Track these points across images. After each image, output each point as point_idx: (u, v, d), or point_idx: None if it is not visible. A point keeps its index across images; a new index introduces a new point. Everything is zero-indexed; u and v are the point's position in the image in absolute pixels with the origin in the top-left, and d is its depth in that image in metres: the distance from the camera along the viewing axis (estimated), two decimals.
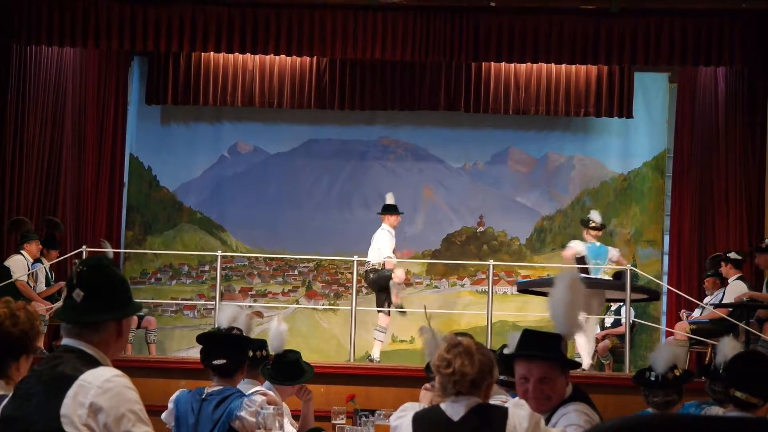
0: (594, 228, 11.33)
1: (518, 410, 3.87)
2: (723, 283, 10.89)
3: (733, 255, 10.76)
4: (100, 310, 3.19)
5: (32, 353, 3.72)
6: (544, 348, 4.16)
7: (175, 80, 13.68)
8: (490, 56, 12.08)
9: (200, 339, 5.59)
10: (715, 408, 5.57)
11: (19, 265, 10.81)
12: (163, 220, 14.27)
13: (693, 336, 10.53)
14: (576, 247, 11.29)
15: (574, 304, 4.22)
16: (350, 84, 13.52)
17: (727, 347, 5.49)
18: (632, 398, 7.59)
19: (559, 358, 4.15)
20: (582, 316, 4.45)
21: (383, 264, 11.08)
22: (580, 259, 11.12)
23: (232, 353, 5.42)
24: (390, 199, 11.51)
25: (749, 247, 11.45)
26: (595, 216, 11.52)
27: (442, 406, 3.90)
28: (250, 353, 5.72)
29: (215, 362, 5.39)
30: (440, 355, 3.89)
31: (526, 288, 11.57)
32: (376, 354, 11.07)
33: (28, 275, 10.88)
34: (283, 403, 5.73)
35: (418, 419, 3.97)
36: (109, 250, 10.52)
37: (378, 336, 11.14)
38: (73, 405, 3.00)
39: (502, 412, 3.86)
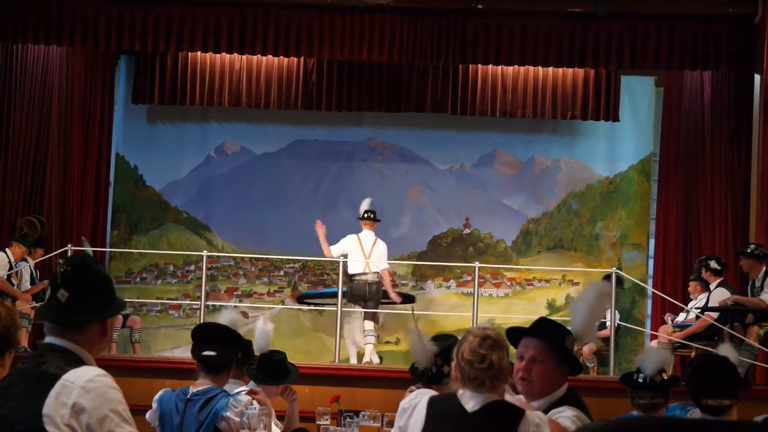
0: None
1: (535, 415, 3.87)
2: (707, 287, 10.92)
3: (713, 264, 10.80)
4: (84, 310, 3.18)
5: (14, 348, 3.70)
6: (548, 331, 4.19)
7: (161, 80, 13.65)
8: (477, 59, 12.10)
9: (195, 330, 5.55)
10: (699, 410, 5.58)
11: (0, 262, 10.77)
12: (149, 219, 14.23)
13: (676, 339, 10.56)
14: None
15: (595, 312, 4.27)
16: (337, 85, 13.50)
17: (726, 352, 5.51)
18: (617, 401, 7.61)
19: (557, 346, 4.14)
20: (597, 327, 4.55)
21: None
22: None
23: (224, 347, 5.38)
24: (370, 205, 11.60)
25: (734, 250, 11.49)
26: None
27: (459, 394, 3.94)
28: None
29: (205, 353, 5.33)
30: (473, 350, 3.89)
31: (304, 299, 12.44)
32: (375, 358, 11.13)
33: (12, 273, 10.84)
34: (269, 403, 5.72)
35: (434, 403, 4.01)
36: (89, 249, 10.53)
37: (371, 340, 11.19)
38: (56, 405, 2.99)
39: (518, 413, 3.87)
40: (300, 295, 13.01)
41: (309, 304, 12.82)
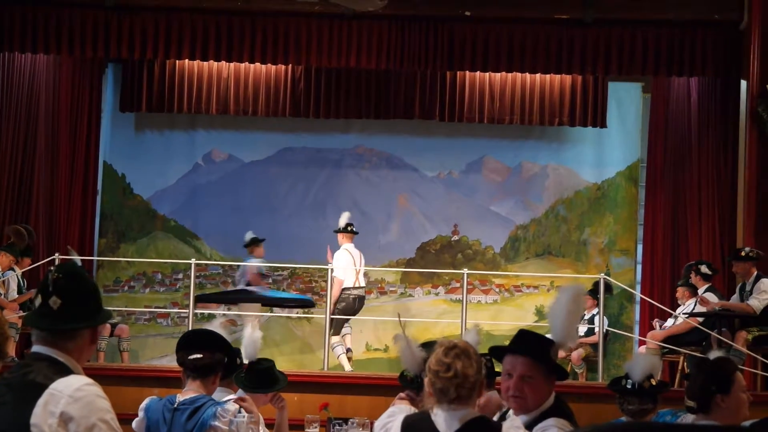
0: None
1: (512, 430, 3.85)
2: (695, 292, 10.93)
3: (703, 269, 10.77)
4: (77, 318, 3.19)
5: (3, 359, 3.69)
6: (533, 347, 4.16)
7: (149, 88, 13.63)
8: (465, 65, 12.11)
9: (181, 339, 5.52)
10: (690, 416, 5.59)
11: None
12: (137, 227, 14.20)
13: (665, 345, 10.57)
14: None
15: (573, 315, 4.25)
16: (325, 92, 13.51)
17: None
18: (606, 407, 7.61)
19: (544, 360, 4.14)
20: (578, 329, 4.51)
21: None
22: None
23: (210, 350, 5.34)
24: (350, 218, 11.59)
25: (726, 255, 11.47)
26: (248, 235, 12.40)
27: (434, 415, 3.85)
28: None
29: (191, 357, 5.29)
30: (438, 359, 3.84)
31: (206, 299, 12.21)
32: (348, 367, 11.09)
33: None
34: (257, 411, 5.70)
35: (408, 427, 3.93)
36: (76, 258, 10.49)
37: (339, 351, 11.14)
38: (44, 414, 2.98)
39: (496, 429, 3.84)
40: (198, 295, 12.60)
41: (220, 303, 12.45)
